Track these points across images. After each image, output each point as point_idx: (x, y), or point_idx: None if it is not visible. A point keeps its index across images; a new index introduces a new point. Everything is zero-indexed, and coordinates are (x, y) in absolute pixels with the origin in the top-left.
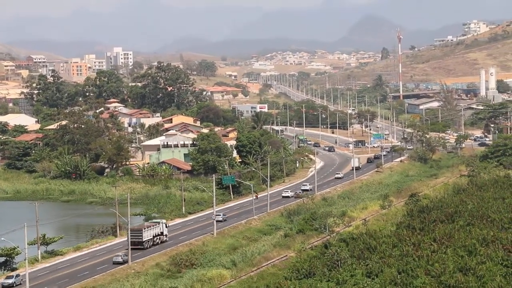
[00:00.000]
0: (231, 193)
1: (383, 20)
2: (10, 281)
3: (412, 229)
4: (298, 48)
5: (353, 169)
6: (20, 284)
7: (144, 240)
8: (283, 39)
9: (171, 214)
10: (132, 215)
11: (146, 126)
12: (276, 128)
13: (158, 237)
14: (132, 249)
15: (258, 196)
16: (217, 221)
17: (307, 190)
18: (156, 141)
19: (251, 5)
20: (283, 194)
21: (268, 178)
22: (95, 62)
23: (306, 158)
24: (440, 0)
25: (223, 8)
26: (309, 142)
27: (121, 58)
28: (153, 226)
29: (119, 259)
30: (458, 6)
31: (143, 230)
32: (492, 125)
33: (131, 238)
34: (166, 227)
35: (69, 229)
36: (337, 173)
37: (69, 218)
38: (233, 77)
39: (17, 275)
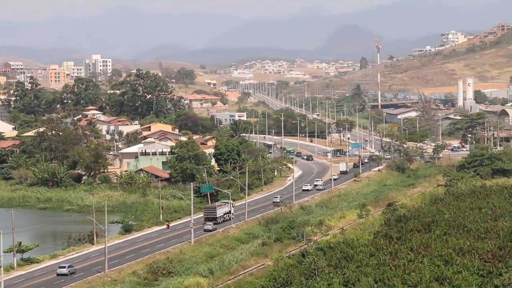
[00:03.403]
0: (209, 201)
1: (362, 30)
2: (64, 270)
3: (389, 238)
4: (277, 57)
5: (341, 173)
6: (74, 273)
7: (217, 216)
8: (262, 48)
9: (148, 222)
10: (110, 223)
11: (124, 133)
12: (268, 142)
13: (227, 214)
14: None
15: (170, 225)
16: (274, 202)
17: (320, 185)
18: (134, 148)
19: (230, 13)
20: (303, 188)
21: (246, 186)
22: (73, 69)
23: (284, 167)
24: (418, 11)
25: (203, 16)
26: (295, 153)
27: (100, 66)
28: (223, 205)
29: (209, 228)
30: (437, 17)
31: (217, 208)
32: (470, 135)
33: (207, 215)
34: (233, 206)
35: (46, 236)
36: (332, 175)
37: (45, 226)
38: (212, 85)
39: (71, 265)
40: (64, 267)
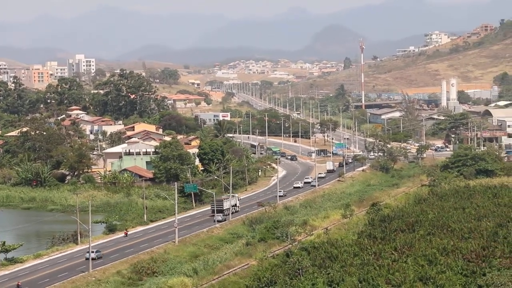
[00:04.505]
0: (193, 201)
1: (346, 30)
2: (92, 255)
3: (373, 238)
4: (261, 57)
5: (328, 172)
6: (101, 258)
7: (224, 208)
8: (247, 48)
9: (132, 222)
10: (93, 223)
11: (108, 133)
12: (253, 142)
13: (233, 207)
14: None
15: (128, 233)
16: (280, 196)
17: (309, 182)
18: (118, 148)
19: (218, 13)
20: (294, 185)
21: (230, 186)
22: (57, 69)
23: (268, 167)
24: (402, 12)
25: (188, 16)
26: (280, 153)
27: (83, 65)
28: (230, 198)
29: (220, 218)
30: (420, 17)
31: (224, 200)
32: (453, 136)
33: (214, 207)
34: (238, 200)
35: (30, 236)
36: (319, 173)
37: (29, 226)
38: (196, 85)
39: (98, 251)
40: (92, 251)
